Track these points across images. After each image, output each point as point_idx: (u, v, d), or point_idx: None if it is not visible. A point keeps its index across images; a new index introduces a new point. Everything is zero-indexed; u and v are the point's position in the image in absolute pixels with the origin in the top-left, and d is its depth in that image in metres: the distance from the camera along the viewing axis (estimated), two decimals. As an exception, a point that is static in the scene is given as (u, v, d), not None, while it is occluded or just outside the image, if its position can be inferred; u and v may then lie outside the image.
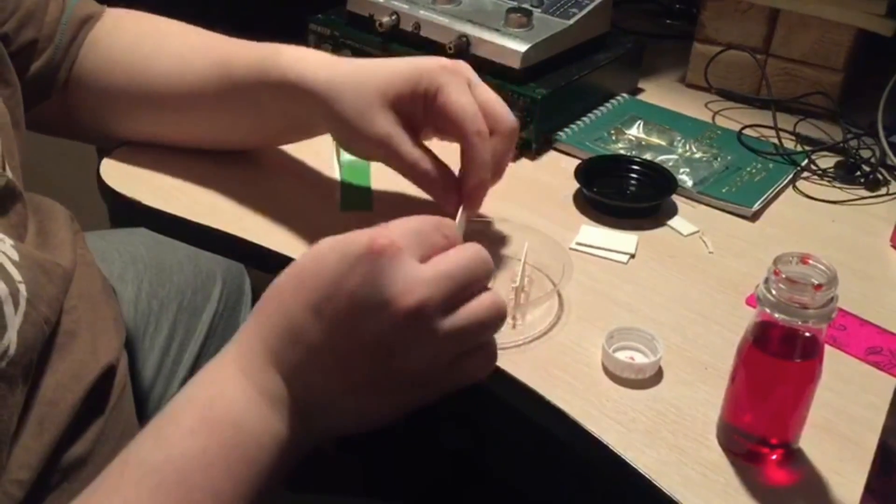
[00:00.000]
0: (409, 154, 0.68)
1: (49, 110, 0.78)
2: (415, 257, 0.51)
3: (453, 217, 0.65)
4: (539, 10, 0.94)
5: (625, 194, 0.84)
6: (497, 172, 0.70)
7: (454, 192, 0.68)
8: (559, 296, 0.70)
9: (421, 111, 0.68)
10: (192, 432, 0.50)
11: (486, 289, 0.54)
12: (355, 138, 0.69)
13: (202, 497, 0.48)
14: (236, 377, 0.52)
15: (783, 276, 0.51)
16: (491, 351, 0.55)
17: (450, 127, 0.67)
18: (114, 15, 0.81)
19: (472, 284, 0.53)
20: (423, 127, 0.70)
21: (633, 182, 0.85)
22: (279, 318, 0.53)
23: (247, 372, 0.52)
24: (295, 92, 0.70)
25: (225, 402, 0.51)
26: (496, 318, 0.53)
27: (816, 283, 0.51)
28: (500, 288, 0.69)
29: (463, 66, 0.69)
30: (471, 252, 0.53)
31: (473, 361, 0.54)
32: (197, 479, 0.49)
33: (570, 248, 0.75)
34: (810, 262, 0.52)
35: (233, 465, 0.50)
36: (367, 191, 0.79)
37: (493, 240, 0.74)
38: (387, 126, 0.67)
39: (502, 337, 0.58)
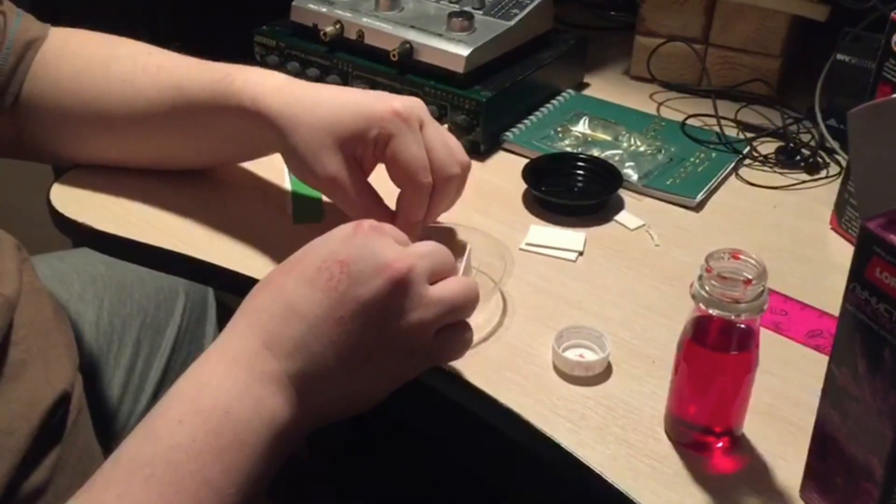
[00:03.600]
0: (354, 200, 0.70)
1: None
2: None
3: None
4: (480, 12, 0.95)
5: (572, 192, 0.86)
6: (430, 215, 0.71)
7: None
8: (502, 295, 0.71)
9: (371, 153, 0.69)
10: (181, 423, 0.51)
11: None
12: (306, 173, 0.70)
13: (194, 485, 0.50)
14: (226, 366, 0.54)
15: (714, 273, 0.53)
16: (467, 329, 0.59)
17: (395, 174, 0.70)
18: (60, 36, 0.80)
19: (443, 271, 0.58)
20: (373, 165, 0.71)
21: (579, 179, 0.87)
22: (273, 299, 0.55)
23: (238, 359, 0.54)
24: (250, 117, 0.71)
25: (212, 391, 0.53)
26: (471, 295, 0.58)
27: (746, 278, 0.53)
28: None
29: (415, 109, 0.69)
30: (435, 245, 0.59)
31: (453, 338, 0.58)
32: (188, 468, 0.50)
33: (521, 249, 0.77)
34: (741, 257, 0.55)
35: (224, 451, 0.51)
36: (318, 203, 0.80)
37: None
38: (335, 169, 0.68)
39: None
